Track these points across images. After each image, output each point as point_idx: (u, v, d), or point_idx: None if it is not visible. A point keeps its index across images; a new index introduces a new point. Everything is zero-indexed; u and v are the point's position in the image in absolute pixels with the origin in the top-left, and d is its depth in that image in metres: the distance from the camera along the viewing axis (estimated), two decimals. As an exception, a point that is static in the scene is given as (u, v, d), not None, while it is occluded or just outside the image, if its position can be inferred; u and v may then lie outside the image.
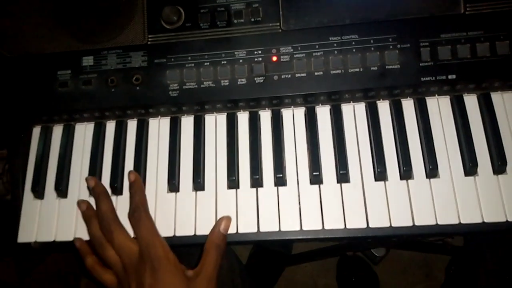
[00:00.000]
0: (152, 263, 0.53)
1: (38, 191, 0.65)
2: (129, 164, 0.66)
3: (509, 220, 0.57)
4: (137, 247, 0.56)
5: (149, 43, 0.66)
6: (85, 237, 0.63)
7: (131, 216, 0.59)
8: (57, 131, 0.69)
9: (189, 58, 0.65)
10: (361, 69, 0.62)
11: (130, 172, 0.63)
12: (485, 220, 0.57)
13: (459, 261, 0.85)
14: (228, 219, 0.59)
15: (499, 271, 0.72)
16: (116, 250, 0.57)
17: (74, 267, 1.34)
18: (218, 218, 0.62)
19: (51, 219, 0.65)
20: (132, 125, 0.68)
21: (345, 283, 1.28)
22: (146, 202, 0.60)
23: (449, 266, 0.92)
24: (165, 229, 0.62)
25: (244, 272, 0.85)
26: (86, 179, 0.64)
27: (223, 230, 0.58)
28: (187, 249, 0.71)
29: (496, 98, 0.62)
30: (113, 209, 0.60)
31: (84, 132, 0.68)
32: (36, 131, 0.69)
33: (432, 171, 0.59)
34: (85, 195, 0.65)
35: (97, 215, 0.60)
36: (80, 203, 0.63)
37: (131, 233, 0.60)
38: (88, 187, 0.64)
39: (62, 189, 0.65)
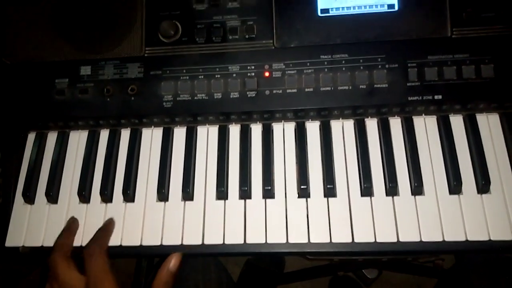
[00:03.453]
0: None
1: (29, 196, 0.66)
2: (120, 172, 0.67)
3: (492, 239, 0.58)
4: (83, 284, 0.55)
5: (146, 55, 0.68)
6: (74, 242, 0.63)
7: (85, 249, 0.58)
8: (52, 137, 0.70)
9: (184, 71, 0.67)
10: (350, 87, 0.64)
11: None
12: (469, 238, 0.58)
13: (446, 282, 0.85)
14: (178, 256, 0.59)
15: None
16: (60, 281, 0.56)
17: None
18: (206, 228, 0.62)
19: (40, 224, 0.65)
20: (125, 135, 0.69)
21: (336, 304, 1.27)
22: (106, 241, 0.60)
23: (437, 287, 0.92)
24: (152, 238, 0.62)
25: (232, 286, 0.85)
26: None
27: (172, 268, 0.58)
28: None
29: (481, 119, 0.64)
30: (67, 245, 0.60)
31: (78, 139, 0.70)
32: (31, 137, 0.70)
33: (417, 188, 0.60)
34: (75, 202, 0.66)
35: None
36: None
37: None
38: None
39: (52, 195, 0.66)
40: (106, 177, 0.66)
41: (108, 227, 0.63)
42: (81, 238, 0.64)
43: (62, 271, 0.56)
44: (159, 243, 0.62)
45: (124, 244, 0.63)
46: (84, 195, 0.65)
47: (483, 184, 0.59)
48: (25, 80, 0.69)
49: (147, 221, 0.64)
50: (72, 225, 0.64)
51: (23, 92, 0.69)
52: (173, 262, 0.58)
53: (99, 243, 0.59)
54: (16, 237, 0.65)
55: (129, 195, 0.65)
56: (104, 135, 0.70)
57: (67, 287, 0.55)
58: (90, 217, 0.65)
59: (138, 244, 0.62)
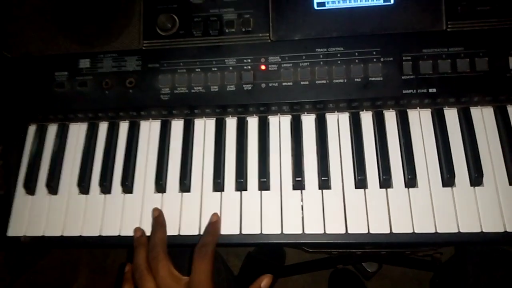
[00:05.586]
0: None
1: (30, 187, 0.68)
2: (119, 164, 0.68)
3: (484, 231, 0.58)
4: (181, 286, 0.55)
5: (143, 48, 0.69)
6: (72, 232, 0.65)
7: (149, 251, 0.58)
8: (52, 130, 0.71)
9: (181, 64, 0.67)
10: (345, 80, 0.64)
11: (154, 209, 0.64)
12: (461, 230, 0.59)
13: (442, 274, 0.86)
14: (270, 276, 0.57)
15: (481, 285, 0.73)
16: (158, 282, 0.56)
17: (65, 275, 1.36)
18: (202, 219, 0.63)
19: (41, 215, 0.67)
20: (124, 127, 0.70)
21: (336, 297, 1.27)
22: (165, 239, 0.60)
23: (434, 279, 0.92)
24: (149, 228, 0.64)
25: (231, 277, 0.86)
26: (153, 210, 0.64)
27: (264, 286, 0.56)
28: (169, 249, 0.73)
29: (476, 112, 0.64)
30: (165, 241, 0.60)
31: (77, 132, 0.71)
32: (32, 129, 0.72)
33: (411, 180, 0.61)
34: (75, 193, 0.67)
35: (148, 244, 0.60)
36: (136, 229, 0.63)
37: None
38: (152, 216, 0.64)
39: (53, 186, 0.67)
40: (105, 169, 0.67)
41: (158, 221, 0.62)
42: (80, 229, 0.65)
43: (163, 269, 0.55)
44: (156, 233, 0.63)
45: (122, 234, 0.64)
46: (83, 186, 0.67)
47: (476, 177, 0.60)
48: (26, 73, 0.70)
49: (145, 212, 0.65)
50: (162, 219, 0.63)
51: (23, 85, 0.70)
52: (265, 280, 0.56)
53: (161, 245, 0.58)
54: (18, 227, 0.66)
55: (127, 186, 0.66)
56: (103, 127, 0.71)
57: (167, 283, 0.55)
58: (89, 208, 0.66)
59: (139, 234, 0.64)
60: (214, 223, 0.61)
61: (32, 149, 0.70)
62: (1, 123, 0.71)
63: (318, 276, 1.34)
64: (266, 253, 1.30)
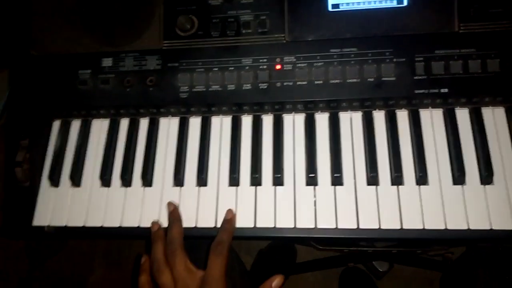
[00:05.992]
0: None
1: (54, 180, 0.71)
2: (139, 158, 0.71)
3: (493, 228, 0.59)
4: (199, 282, 0.57)
5: (163, 48, 0.71)
6: (94, 223, 0.68)
7: (167, 246, 0.60)
8: (75, 125, 0.75)
9: (200, 63, 0.70)
10: (359, 80, 0.66)
11: (169, 203, 0.66)
12: (470, 227, 0.60)
13: (452, 274, 0.87)
14: (281, 277, 0.58)
15: (490, 286, 0.74)
16: (174, 276, 0.58)
17: (81, 268, 1.40)
18: (218, 212, 0.66)
19: (64, 206, 0.70)
20: (144, 123, 0.73)
21: (347, 295, 1.28)
22: (182, 233, 0.62)
23: (443, 279, 0.93)
24: (166, 220, 0.66)
25: (244, 272, 0.88)
26: (168, 204, 0.66)
27: (275, 286, 0.56)
28: (190, 241, 0.75)
29: (487, 112, 0.65)
30: (182, 236, 0.62)
31: (100, 127, 0.74)
32: (56, 124, 0.75)
33: (422, 178, 0.62)
34: (97, 185, 0.70)
35: (166, 239, 0.62)
36: (153, 223, 0.65)
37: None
38: (167, 211, 0.66)
39: (76, 179, 0.70)
40: (126, 163, 0.70)
41: (174, 216, 0.64)
42: (102, 220, 0.68)
43: (180, 261, 0.58)
44: (174, 226, 0.66)
45: (142, 225, 0.67)
46: (105, 179, 0.70)
47: (486, 175, 0.61)
48: (51, 71, 0.74)
49: (164, 205, 0.67)
50: (177, 213, 0.65)
51: (49, 82, 0.73)
52: (277, 280, 0.58)
53: (178, 240, 0.60)
54: (42, 217, 0.70)
55: (147, 179, 0.68)
56: (124, 123, 0.74)
57: (182, 278, 0.57)
58: (111, 200, 0.69)
59: (155, 228, 0.66)
60: (229, 220, 0.64)
61: (56, 143, 0.73)
62: (27, 118, 0.74)
63: (329, 274, 1.35)
64: (278, 250, 1.32)
